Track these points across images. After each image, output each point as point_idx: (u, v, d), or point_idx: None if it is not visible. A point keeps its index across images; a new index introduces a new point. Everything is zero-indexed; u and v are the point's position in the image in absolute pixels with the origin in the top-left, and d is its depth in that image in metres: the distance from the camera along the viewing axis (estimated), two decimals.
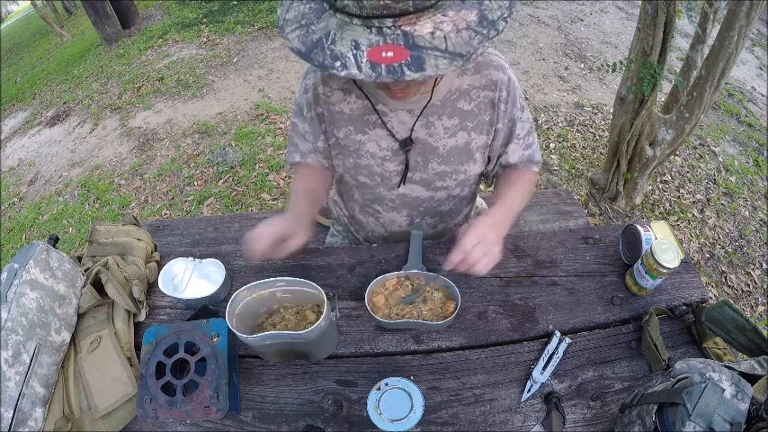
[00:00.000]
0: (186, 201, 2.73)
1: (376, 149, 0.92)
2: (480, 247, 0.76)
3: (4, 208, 3.18)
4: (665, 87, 2.57)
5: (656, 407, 0.61)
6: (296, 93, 1.01)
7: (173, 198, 2.77)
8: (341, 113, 0.91)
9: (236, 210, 2.59)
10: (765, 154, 2.80)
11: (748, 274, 2.12)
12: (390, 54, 0.53)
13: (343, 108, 0.90)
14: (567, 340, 0.83)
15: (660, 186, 2.52)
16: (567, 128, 2.98)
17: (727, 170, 2.65)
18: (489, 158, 1.02)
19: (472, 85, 0.88)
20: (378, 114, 0.88)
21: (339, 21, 0.57)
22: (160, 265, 0.98)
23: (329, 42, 0.56)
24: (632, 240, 0.94)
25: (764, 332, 0.73)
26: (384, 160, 0.93)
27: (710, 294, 2.02)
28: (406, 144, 0.89)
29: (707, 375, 0.57)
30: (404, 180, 0.95)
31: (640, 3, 1.83)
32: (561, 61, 3.76)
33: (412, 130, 0.89)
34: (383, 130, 0.90)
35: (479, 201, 1.27)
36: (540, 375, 0.79)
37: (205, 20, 5.41)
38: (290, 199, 1.00)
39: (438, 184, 0.98)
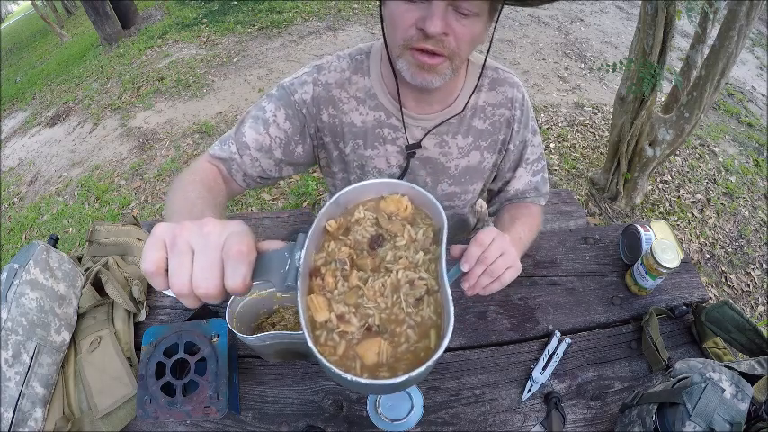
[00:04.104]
0: None
1: (384, 166, 0.87)
2: (497, 244, 0.64)
3: (4, 208, 3.17)
4: (665, 87, 2.57)
5: (656, 407, 0.61)
6: (288, 77, 0.83)
7: None
8: (351, 125, 0.84)
9: (236, 210, 2.59)
10: (765, 154, 2.80)
11: (748, 274, 2.12)
12: None
13: (354, 119, 0.83)
14: (567, 340, 0.83)
15: (660, 186, 2.52)
16: (567, 128, 2.98)
17: (727, 170, 2.65)
18: (496, 176, 0.97)
19: (488, 103, 0.86)
20: (394, 117, 0.82)
21: None
22: None
23: None
24: (632, 240, 0.93)
25: (764, 332, 0.73)
26: (392, 178, 0.89)
27: (710, 294, 2.02)
28: (411, 148, 0.85)
29: (707, 375, 0.57)
30: None
31: (640, 3, 1.83)
32: (561, 61, 3.76)
33: (423, 136, 0.84)
34: (393, 146, 0.85)
35: (480, 203, 1.26)
36: (540, 375, 0.79)
37: (205, 20, 5.41)
38: (192, 202, 0.66)
39: (445, 204, 0.95)
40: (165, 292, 0.88)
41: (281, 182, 2.66)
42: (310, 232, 0.40)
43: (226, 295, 0.38)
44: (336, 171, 0.92)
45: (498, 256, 0.64)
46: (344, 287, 0.40)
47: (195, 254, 0.37)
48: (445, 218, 0.43)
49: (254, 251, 0.39)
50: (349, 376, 0.34)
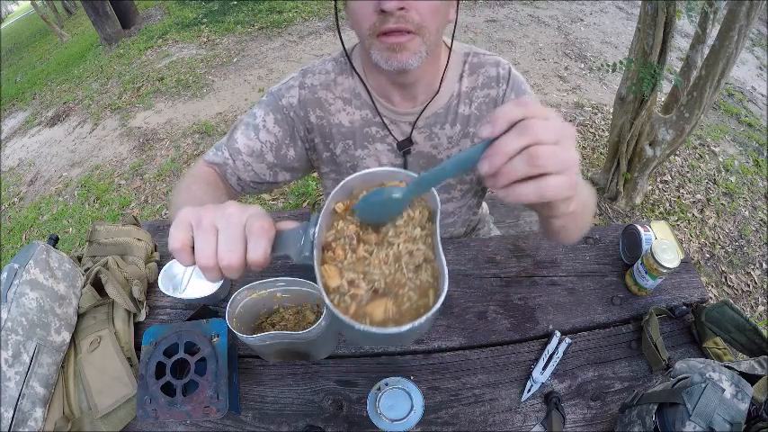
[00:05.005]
0: None
1: (375, 166, 0.86)
2: (555, 124, 0.37)
3: (4, 208, 3.18)
4: (665, 87, 2.57)
5: (656, 407, 0.61)
6: (277, 84, 0.86)
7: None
8: (339, 125, 0.85)
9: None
10: (765, 154, 2.80)
11: (748, 274, 2.12)
12: None
13: (342, 119, 0.84)
14: (567, 340, 0.83)
15: (660, 186, 2.52)
16: None
17: (727, 170, 2.65)
18: None
19: (470, 87, 0.84)
20: (380, 116, 0.83)
21: None
22: (160, 265, 0.98)
23: None
24: (632, 240, 0.94)
25: (764, 332, 0.73)
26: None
27: (710, 294, 2.02)
28: (405, 145, 0.85)
29: (707, 375, 0.57)
30: None
31: (640, 3, 1.83)
32: (561, 61, 3.76)
33: (411, 132, 0.84)
34: (383, 144, 0.86)
35: (484, 206, 1.24)
36: (540, 375, 0.79)
37: (205, 20, 5.42)
38: (200, 198, 0.74)
39: (443, 197, 0.95)
40: (165, 292, 0.88)
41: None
42: (322, 213, 0.46)
43: (246, 269, 0.42)
44: (327, 172, 0.93)
45: (552, 141, 0.36)
46: (353, 258, 0.45)
47: (219, 231, 0.41)
48: (438, 200, 0.47)
49: (274, 228, 0.43)
50: (362, 327, 0.38)
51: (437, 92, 0.81)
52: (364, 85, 0.82)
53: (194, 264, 0.42)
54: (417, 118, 0.83)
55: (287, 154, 0.86)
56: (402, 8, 0.62)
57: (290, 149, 0.86)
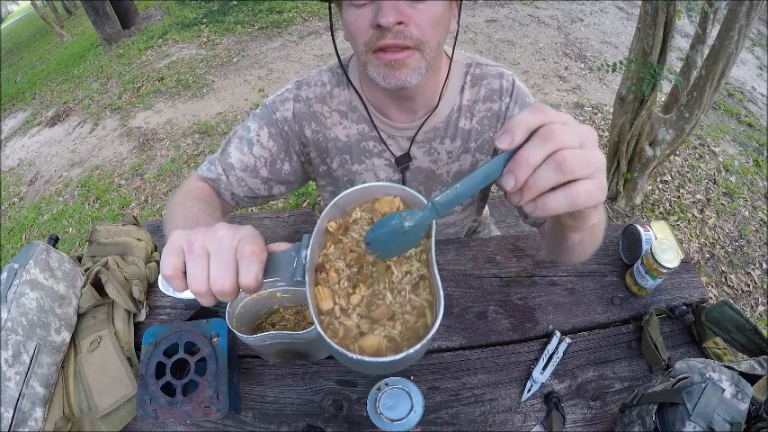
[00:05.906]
0: None
1: (373, 181, 0.83)
2: (576, 129, 0.35)
3: (4, 208, 3.18)
4: (665, 87, 2.57)
5: (656, 407, 0.61)
6: (271, 95, 0.83)
7: None
8: (335, 140, 0.82)
9: (237, 210, 2.59)
10: (765, 154, 2.80)
11: (748, 274, 2.12)
12: None
13: (338, 133, 0.82)
14: (567, 340, 0.83)
15: (660, 186, 2.52)
16: None
17: (727, 170, 2.65)
18: None
19: (471, 100, 0.81)
20: (377, 131, 0.80)
21: None
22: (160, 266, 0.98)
23: None
24: (632, 240, 0.94)
25: (764, 332, 0.73)
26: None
27: (710, 294, 2.02)
28: (403, 161, 0.82)
29: (707, 375, 0.57)
30: None
31: (640, 3, 1.83)
32: (561, 61, 3.76)
33: (410, 147, 0.82)
34: (380, 159, 0.83)
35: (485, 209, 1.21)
36: (540, 375, 0.79)
37: (205, 20, 5.42)
38: (196, 215, 0.72)
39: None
40: (165, 292, 0.88)
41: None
42: (314, 233, 0.44)
43: (239, 293, 0.42)
44: (324, 185, 0.92)
45: (577, 144, 0.34)
46: (345, 285, 0.44)
47: (211, 256, 0.41)
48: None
49: (265, 251, 0.42)
50: (355, 356, 0.37)
51: (436, 106, 0.78)
52: (361, 98, 0.79)
53: (187, 289, 0.41)
54: (416, 133, 0.80)
55: (282, 168, 0.84)
56: (401, 23, 0.59)
57: (285, 164, 0.84)
